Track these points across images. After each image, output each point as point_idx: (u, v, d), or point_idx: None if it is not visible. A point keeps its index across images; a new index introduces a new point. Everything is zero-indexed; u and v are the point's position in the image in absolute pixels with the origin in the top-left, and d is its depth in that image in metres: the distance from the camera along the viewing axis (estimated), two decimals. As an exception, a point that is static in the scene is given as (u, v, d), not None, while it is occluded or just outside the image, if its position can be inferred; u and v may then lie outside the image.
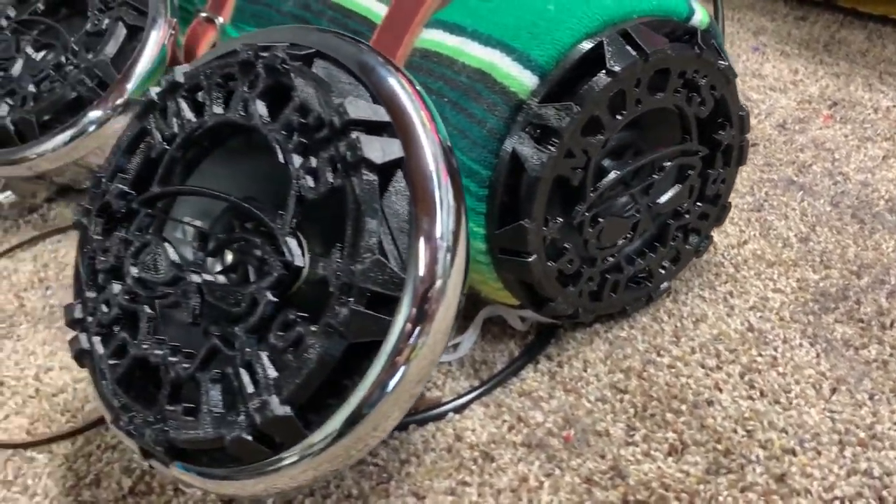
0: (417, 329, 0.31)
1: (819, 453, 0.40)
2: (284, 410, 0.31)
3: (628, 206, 0.45)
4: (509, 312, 0.49)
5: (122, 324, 0.37)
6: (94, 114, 0.61)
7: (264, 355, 0.32)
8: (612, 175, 0.43)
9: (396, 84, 0.34)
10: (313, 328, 0.31)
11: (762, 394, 0.43)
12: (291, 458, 0.32)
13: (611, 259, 0.46)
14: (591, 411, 0.43)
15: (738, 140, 0.47)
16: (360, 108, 0.33)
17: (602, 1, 0.41)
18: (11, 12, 0.69)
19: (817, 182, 0.60)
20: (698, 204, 0.48)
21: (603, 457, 0.41)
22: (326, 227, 0.34)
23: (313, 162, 0.33)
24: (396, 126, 0.33)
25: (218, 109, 0.37)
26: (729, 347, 0.46)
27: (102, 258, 0.38)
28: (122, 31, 0.62)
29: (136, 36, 0.63)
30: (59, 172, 0.65)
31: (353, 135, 0.32)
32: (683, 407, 0.43)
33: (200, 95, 0.38)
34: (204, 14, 0.65)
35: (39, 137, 0.61)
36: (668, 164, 0.45)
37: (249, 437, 0.31)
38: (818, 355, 0.45)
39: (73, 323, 0.38)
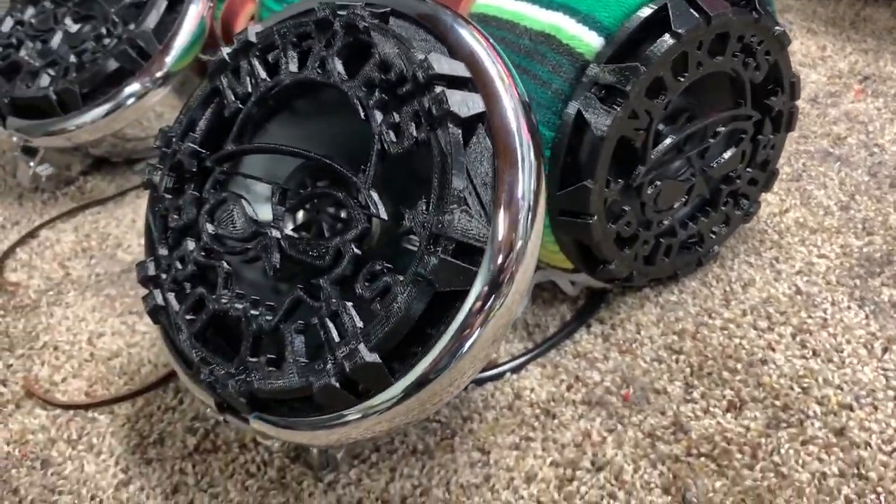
0: (502, 280, 0.32)
1: (876, 408, 0.40)
2: (374, 357, 0.31)
3: (683, 169, 0.46)
4: (561, 276, 0.49)
5: (198, 279, 0.37)
6: (134, 86, 0.61)
7: (350, 305, 0.33)
8: (670, 139, 0.43)
9: (474, 41, 0.35)
10: (400, 278, 0.32)
11: (815, 353, 0.44)
12: (375, 406, 0.32)
13: (665, 222, 0.46)
14: (647, 371, 0.44)
15: (789, 106, 0.48)
16: (443, 63, 0.33)
17: (664, -35, 0.41)
18: (46, -14, 0.69)
19: (853, 153, 0.61)
20: (748, 169, 0.48)
21: (663, 413, 0.42)
22: (403, 182, 0.34)
23: (395, 117, 0.33)
24: (477, 82, 0.34)
25: (293, 68, 0.37)
26: (779, 310, 0.47)
27: (175, 216, 0.39)
28: (162, 4, 0.63)
29: (174, 8, 0.63)
30: (96, 144, 0.65)
31: (438, 89, 0.32)
32: (739, 366, 0.44)
33: (273, 55, 0.38)
34: (242, -14, 0.65)
35: (81, 108, 0.61)
36: (722, 128, 0.45)
37: (337, 385, 0.32)
38: (867, 317, 0.46)
39: (146, 280, 0.38)
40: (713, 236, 0.49)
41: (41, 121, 0.62)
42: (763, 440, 0.39)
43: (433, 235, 0.31)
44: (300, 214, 0.39)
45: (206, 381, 0.35)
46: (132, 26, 0.62)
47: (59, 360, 0.50)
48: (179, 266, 0.38)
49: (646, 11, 0.40)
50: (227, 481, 0.41)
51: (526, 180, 0.32)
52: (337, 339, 0.32)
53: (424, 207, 0.32)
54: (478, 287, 0.31)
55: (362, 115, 0.34)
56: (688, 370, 0.44)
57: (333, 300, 0.33)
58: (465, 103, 0.33)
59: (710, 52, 0.42)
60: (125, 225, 0.63)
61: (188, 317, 0.37)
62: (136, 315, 0.53)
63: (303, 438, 0.34)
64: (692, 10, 0.40)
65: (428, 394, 0.32)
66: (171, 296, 0.38)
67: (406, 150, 0.33)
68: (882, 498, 0.36)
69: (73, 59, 0.62)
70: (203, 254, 0.37)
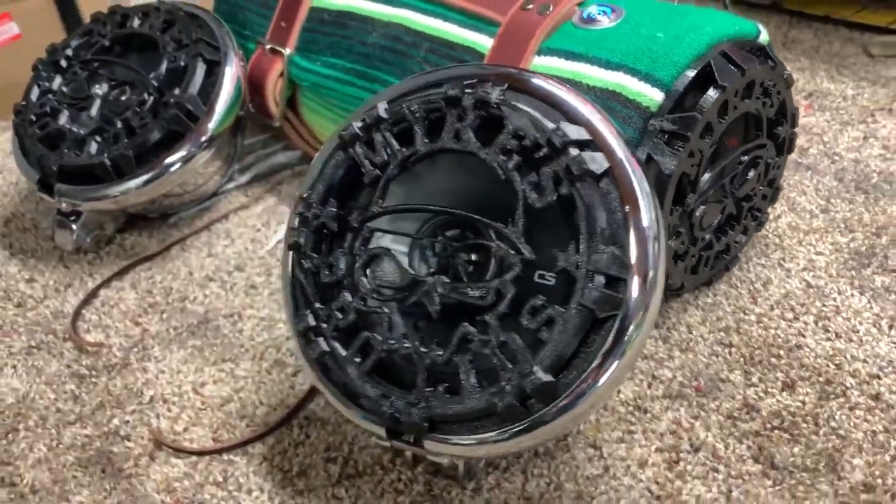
0: (643, 304, 0.39)
1: (878, 388, 0.50)
2: (549, 377, 0.38)
3: (720, 194, 0.54)
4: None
5: (361, 326, 0.43)
6: (182, 151, 0.65)
7: (516, 336, 0.39)
8: (709, 172, 0.52)
9: (589, 109, 0.42)
10: (561, 309, 0.39)
11: (837, 335, 0.54)
12: (544, 420, 0.39)
13: (706, 238, 0.55)
14: (708, 364, 0.53)
15: (790, 133, 0.57)
16: (571, 130, 0.41)
17: (702, 28, 0.50)
18: (69, 52, 0.71)
19: (818, 162, 0.72)
20: (762, 187, 0.58)
21: (733, 398, 0.50)
22: (542, 229, 0.41)
23: (535, 177, 0.40)
24: (596, 142, 0.41)
25: (427, 139, 0.43)
26: (798, 302, 0.57)
27: (327, 272, 0.44)
28: (202, 68, 0.67)
29: (212, 71, 0.67)
30: (138, 204, 0.68)
31: (574, 152, 0.40)
32: (781, 352, 0.53)
33: (400, 127, 0.44)
34: (269, 46, 0.70)
35: (135, 172, 0.64)
36: (745, 157, 0.55)
37: (517, 403, 0.39)
38: (869, 301, 0.56)
39: (306, 330, 0.44)
40: (736, 245, 0.58)
41: (92, 186, 0.65)
42: (819, 410, 0.49)
43: (589, 271, 0.38)
44: (432, 262, 0.45)
45: (388, 413, 0.41)
46: (176, 91, 0.65)
47: (172, 412, 0.54)
48: (340, 315, 0.43)
49: (692, 71, 0.49)
50: (381, 500, 0.47)
51: (649, 218, 0.40)
52: (509, 365, 0.39)
53: (574, 249, 0.39)
54: (629, 309, 0.39)
55: (503, 176, 0.41)
56: (741, 360, 0.53)
57: (501, 333, 0.40)
58: (596, 161, 0.40)
59: (742, 98, 0.51)
60: (182, 278, 0.66)
61: (356, 359, 0.42)
62: (230, 362, 0.57)
63: (477, 452, 0.41)
64: (731, 66, 0.49)
65: (584, 407, 0.39)
66: (335, 343, 0.43)
67: (548, 204, 0.40)
68: (921, 445, 0.46)
69: (119, 125, 0.65)
70: (363, 303, 0.43)
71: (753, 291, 0.58)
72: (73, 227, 0.68)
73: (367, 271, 0.44)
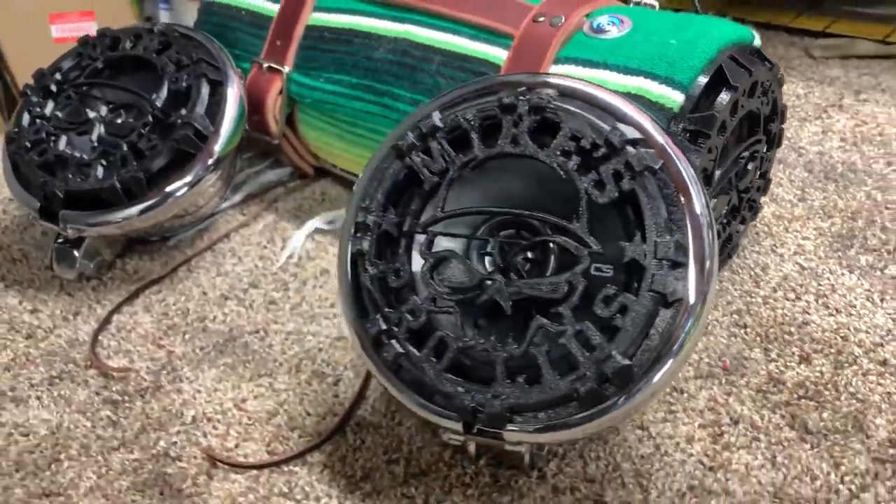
0: (705, 287, 0.42)
1: (883, 355, 0.56)
2: (627, 361, 0.41)
3: (727, 187, 0.59)
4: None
5: (432, 327, 0.45)
6: (189, 175, 0.64)
7: (590, 324, 0.42)
8: (720, 168, 0.56)
9: (636, 110, 0.45)
10: (633, 297, 0.41)
11: (837, 311, 0.59)
12: (624, 402, 0.42)
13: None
14: (729, 345, 0.57)
15: (779, 128, 0.62)
16: (627, 130, 0.44)
17: (710, 34, 0.54)
18: (59, 76, 0.70)
19: (787, 156, 0.78)
20: (757, 179, 0.63)
21: (759, 373, 0.54)
22: (597, 225, 0.44)
23: (595, 174, 0.43)
24: (648, 140, 0.44)
25: (485, 145, 0.46)
26: (797, 283, 0.62)
27: (394, 276, 0.46)
28: (206, 89, 0.67)
29: (215, 91, 0.68)
30: (143, 229, 0.68)
31: (632, 150, 0.43)
32: (792, 329, 0.57)
33: (456, 134, 0.47)
34: (266, 64, 0.71)
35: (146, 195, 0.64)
36: (746, 153, 0.59)
37: (598, 387, 0.41)
38: (858, 278, 0.62)
39: (379, 334, 0.45)
40: (737, 234, 0.63)
41: (99, 211, 0.64)
42: (836, 378, 0.53)
43: (659, 259, 0.41)
44: (488, 262, 0.48)
45: (470, 406, 0.43)
46: (182, 112, 0.65)
47: (219, 430, 0.54)
48: (411, 318, 0.45)
49: (705, 75, 0.53)
50: (450, 495, 0.48)
51: (701, 206, 0.43)
52: (586, 352, 0.42)
53: (641, 239, 0.42)
54: (690, 294, 0.42)
55: (563, 176, 0.44)
56: (758, 338, 0.57)
57: (576, 323, 0.42)
58: (653, 158, 0.43)
59: (748, 97, 0.55)
60: (196, 299, 0.66)
61: (432, 358, 0.44)
62: (267, 377, 0.58)
63: (556, 438, 0.43)
64: (740, 68, 0.53)
65: (655, 389, 0.42)
66: (408, 344, 0.45)
67: (612, 200, 0.43)
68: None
69: (125, 148, 0.64)
70: (433, 304, 0.45)
71: (755, 276, 0.63)
72: (76, 254, 0.67)
73: (435, 274, 0.45)
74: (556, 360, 0.43)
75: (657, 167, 0.43)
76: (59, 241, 0.68)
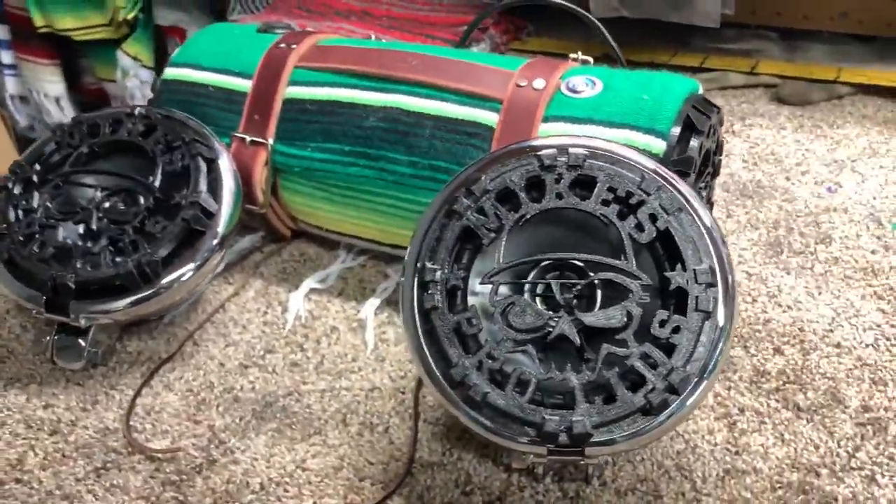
0: (732, 301, 0.51)
1: (842, 326, 0.68)
2: (691, 370, 0.49)
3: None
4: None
5: (510, 365, 0.51)
6: (197, 258, 0.66)
7: (650, 345, 0.50)
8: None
9: (652, 160, 0.54)
10: (684, 318, 0.50)
11: (789, 307, 0.70)
12: (680, 408, 0.50)
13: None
14: (714, 347, 0.67)
15: (718, 160, 0.74)
16: (653, 178, 0.52)
17: (674, 89, 0.64)
18: (38, 167, 0.70)
19: (704, 179, 0.90)
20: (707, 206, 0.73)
21: (745, 368, 0.64)
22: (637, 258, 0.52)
23: (634, 219, 0.52)
24: (670, 186, 0.53)
25: (533, 202, 0.53)
26: (750, 288, 0.73)
27: (469, 325, 0.51)
28: (203, 166, 0.69)
29: (210, 168, 0.70)
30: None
31: (665, 194, 0.51)
32: (759, 327, 0.68)
33: (503, 193, 0.53)
34: (249, 138, 0.75)
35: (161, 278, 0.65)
36: (703, 184, 0.70)
37: (667, 397, 0.49)
38: (795, 277, 0.74)
39: (461, 381, 0.50)
40: (696, 252, 0.74)
41: (112, 298, 0.65)
42: (807, 363, 0.64)
43: (705, 283, 0.50)
44: (538, 300, 0.55)
45: (559, 430, 0.49)
46: (184, 191, 0.67)
47: (290, 492, 0.57)
48: (490, 361, 0.51)
49: (678, 124, 0.63)
50: (530, 512, 0.54)
51: (719, 234, 0.53)
52: (654, 370, 0.49)
53: (681, 268, 0.51)
54: (720, 308, 0.51)
55: (605, 222, 0.52)
56: (736, 339, 0.67)
57: (639, 346, 0.50)
58: (680, 199, 0.52)
59: (706, 138, 0.66)
60: (215, 371, 0.68)
61: (515, 391, 0.50)
62: (317, 435, 0.61)
63: (630, 446, 0.50)
64: (702, 115, 0.64)
65: (704, 394, 0.51)
66: (490, 385, 0.50)
67: (653, 238, 0.51)
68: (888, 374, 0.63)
69: (131, 232, 0.66)
70: (509, 345, 0.51)
71: (714, 286, 0.73)
72: (83, 343, 0.67)
73: (508, 316, 0.52)
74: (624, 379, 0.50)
75: (684, 207, 0.52)
76: (59, 332, 0.67)
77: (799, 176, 0.89)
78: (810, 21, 1.13)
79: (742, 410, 0.61)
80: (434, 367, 0.52)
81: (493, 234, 0.53)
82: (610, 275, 0.52)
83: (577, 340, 0.51)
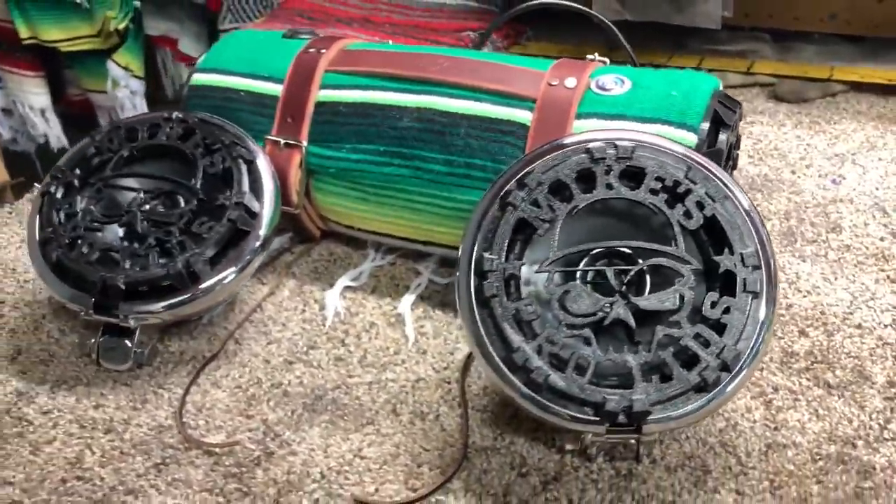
0: (775, 279, 0.54)
1: (861, 308, 0.71)
2: (742, 347, 0.52)
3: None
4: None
5: (568, 350, 0.53)
6: (245, 252, 0.68)
7: (704, 326, 0.53)
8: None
9: (696, 154, 0.57)
10: (733, 299, 0.53)
11: (808, 292, 0.74)
12: (730, 384, 0.52)
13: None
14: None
15: (737, 153, 0.77)
16: (701, 169, 0.55)
17: (700, 86, 0.68)
18: (79, 171, 0.71)
19: (713, 174, 0.93)
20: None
21: (775, 350, 0.67)
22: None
23: (682, 207, 0.54)
24: (712, 177, 0.56)
25: (584, 194, 0.55)
26: (769, 275, 0.76)
27: (529, 311, 0.54)
28: (244, 167, 0.71)
29: (250, 170, 0.71)
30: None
31: (710, 182, 0.54)
32: (782, 311, 0.71)
33: (554, 185, 0.56)
34: (283, 140, 0.76)
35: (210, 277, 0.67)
36: (723, 174, 0.73)
37: (720, 374, 0.52)
38: (811, 265, 0.77)
39: (522, 365, 0.53)
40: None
41: (158, 298, 0.66)
42: (831, 343, 0.68)
43: (751, 265, 0.53)
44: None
45: (621, 407, 0.51)
46: (227, 192, 0.69)
47: (352, 479, 0.59)
48: (549, 345, 0.53)
49: (707, 118, 0.66)
50: (587, 491, 0.56)
51: (759, 219, 0.56)
52: (706, 348, 0.52)
53: (729, 252, 0.54)
54: (764, 287, 0.54)
55: (656, 211, 0.55)
56: (762, 323, 0.70)
57: (692, 327, 0.53)
58: (723, 187, 0.55)
59: (731, 132, 0.69)
60: (261, 368, 0.69)
61: (574, 375, 0.53)
62: (370, 425, 0.63)
63: (688, 422, 0.53)
64: (728, 110, 0.67)
65: (756, 365, 0.53)
66: (551, 369, 0.53)
67: (700, 226, 0.54)
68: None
69: (178, 233, 0.67)
70: (568, 330, 0.53)
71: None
72: (129, 344, 0.68)
73: (566, 302, 0.54)
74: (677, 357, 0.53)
75: (728, 195, 0.55)
76: (104, 334, 0.68)
77: (804, 169, 0.93)
78: (801, 23, 1.17)
79: (776, 389, 0.64)
80: (493, 353, 0.54)
81: (546, 225, 0.55)
82: (662, 260, 0.55)
83: (633, 323, 0.54)
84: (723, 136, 0.66)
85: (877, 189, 0.88)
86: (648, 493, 0.56)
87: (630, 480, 0.57)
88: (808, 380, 0.64)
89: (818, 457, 0.58)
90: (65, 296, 0.67)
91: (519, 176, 0.57)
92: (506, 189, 0.57)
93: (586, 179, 0.56)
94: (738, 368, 0.52)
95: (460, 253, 0.57)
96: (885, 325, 0.69)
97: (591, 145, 0.57)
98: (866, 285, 0.74)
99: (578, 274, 0.56)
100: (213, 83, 0.80)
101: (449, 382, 0.67)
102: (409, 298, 0.76)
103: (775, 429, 0.60)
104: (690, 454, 0.59)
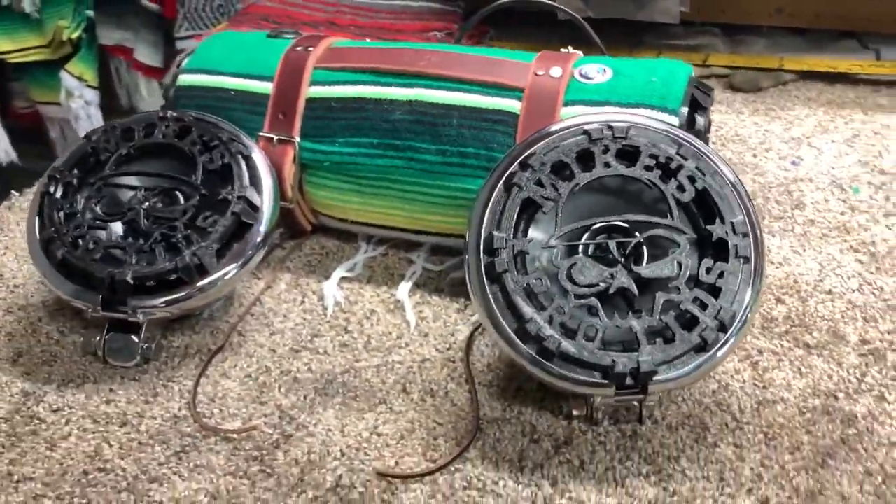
0: (761, 246, 0.59)
1: (829, 277, 0.77)
2: (736, 309, 0.56)
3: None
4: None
5: (575, 319, 0.57)
6: (243, 254, 0.69)
7: (701, 291, 0.57)
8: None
9: (684, 133, 0.61)
10: (727, 264, 0.57)
11: (780, 264, 0.79)
12: (726, 342, 0.57)
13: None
14: (724, 302, 0.74)
15: (708, 137, 0.82)
16: (690, 147, 0.59)
17: (676, 72, 0.72)
18: (77, 171, 0.72)
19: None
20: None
21: (755, 316, 0.72)
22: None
23: (675, 181, 0.58)
24: (700, 153, 0.60)
25: (584, 172, 0.59)
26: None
27: (539, 283, 0.57)
28: (243, 163, 0.72)
29: (248, 165, 0.73)
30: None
31: (700, 158, 0.59)
32: (773, 288, 0.76)
33: (555, 165, 0.59)
34: (276, 137, 0.78)
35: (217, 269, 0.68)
36: (698, 156, 0.78)
37: (718, 334, 0.56)
38: (780, 239, 0.83)
39: (536, 334, 0.56)
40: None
41: (165, 293, 0.67)
42: (805, 308, 0.73)
43: (741, 233, 0.57)
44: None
45: (628, 369, 0.55)
46: (229, 187, 0.70)
47: (371, 455, 0.61)
48: (559, 315, 0.56)
49: (686, 103, 0.70)
50: (597, 452, 0.60)
51: (744, 191, 0.60)
52: (704, 311, 0.56)
53: (720, 221, 0.58)
54: (754, 258, 0.58)
55: (651, 185, 0.58)
56: (741, 293, 0.75)
57: (691, 291, 0.57)
58: (711, 163, 0.59)
59: (707, 114, 0.74)
60: (268, 357, 0.71)
61: (584, 341, 0.56)
62: (383, 405, 0.65)
63: (693, 379, 0.57)
64: (704, 94, 0.72)
65: (748, 325, 0.58)
66: (562, 338, 0.56)
67: (692, 199, 0.58)
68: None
69: (183, 228, 0.68)
70: (577, 300, 0.57)
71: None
72: (136, 340, 0.69)
73: (573, 276, 0.57)
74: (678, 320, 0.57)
75: (717, 168, 0.59)
76: (110, 331, 0.69)
77: (764, 153, 0.99)
78: (750, 17, 1.24)
79: (761, 352, 0.68)
80: (505, 325, 0.57)
81: (551, 203, 0.59)
82: (659, 231, 0.58)
83: (636, 291, 0.57)
84: (700, 119, 0.70)
85: (832, 168, 0.94)
86: (654, 450, 0.60)
87: (636, 440, 0.61)
88: (788, 342, 0.69)
89: (805, 410, 0.63)
90: (71, 294, 0.68)
91: (521, 158, 0.60)
92: (510, 171, 0.60)
93: (585, 159, 0.60)
94: (733, 328, 0.57)
95: (467, 234, 0.60)
96: (853, 290, 0.75)
97: (588, 127, 0.60)
98: (832, 255, 0.80)
99: (581, 247, 0.60)
100: (202, 83, 0.82)
101: (454, 361, 0.69)
102: (405, 286, 0.78)
103: (764, 387, 0.65)
104: (689, 414, 0.63)
